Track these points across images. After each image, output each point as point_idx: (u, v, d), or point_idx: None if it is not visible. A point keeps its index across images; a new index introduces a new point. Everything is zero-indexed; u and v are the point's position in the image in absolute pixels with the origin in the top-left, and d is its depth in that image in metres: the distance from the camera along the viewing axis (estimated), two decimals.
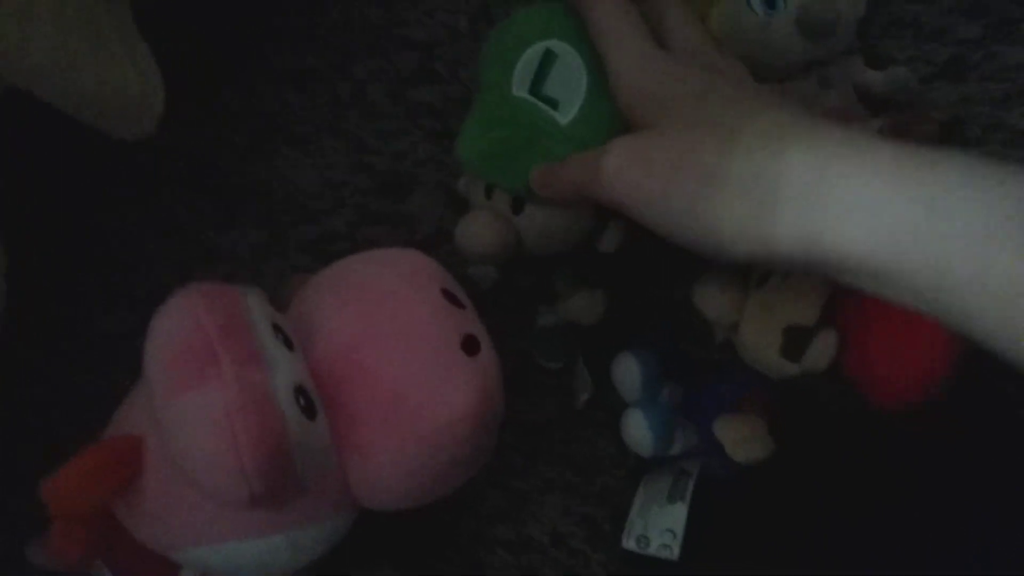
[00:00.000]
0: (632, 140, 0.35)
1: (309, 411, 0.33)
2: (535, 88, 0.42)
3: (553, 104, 0.42)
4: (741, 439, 0.46)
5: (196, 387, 0.30)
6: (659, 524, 0.47)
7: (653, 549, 0.47)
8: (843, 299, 0.43)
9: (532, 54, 0.42)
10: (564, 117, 0.41)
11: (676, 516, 0.46)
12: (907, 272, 0.28)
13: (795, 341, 0.44)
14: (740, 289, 0.47)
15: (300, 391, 0.33)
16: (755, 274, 0.48)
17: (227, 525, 0.34)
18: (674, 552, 0.46)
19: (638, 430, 0.47)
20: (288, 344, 0.34)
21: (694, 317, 0.49)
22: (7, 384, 0.54)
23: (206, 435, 0.30)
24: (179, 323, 0.31)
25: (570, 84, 0.41)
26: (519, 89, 0.42)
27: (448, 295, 0.36)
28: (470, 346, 0.36)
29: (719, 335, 0.49)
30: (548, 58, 0.42)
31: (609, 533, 0.53)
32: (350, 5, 0.60)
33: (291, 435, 0.31)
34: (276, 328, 0.34)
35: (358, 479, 0.35)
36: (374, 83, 0.60)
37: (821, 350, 0.44)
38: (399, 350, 0.34)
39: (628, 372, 0.50)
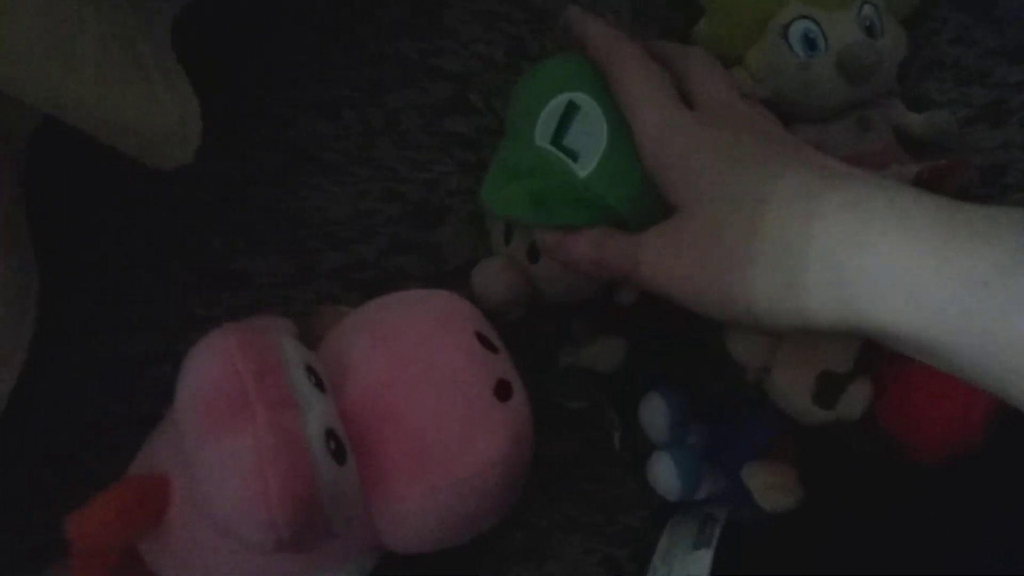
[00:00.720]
0: (664, 229, 0.35)
1: (339, 455, 0.32)
2: (557, 139, 0.43)
3: (573, 156, 0.42)
4: (770, 487, 0.45)
5: (228, 432, 0.30)
6: (683, 570, 0.46)
7: None
8: (880, 347, 0.43)
9: (555, 105, 0.42)
10: (583, 170, 0.42)
11: (701, 564, 0.46)
12: (955, 346, 0.27)
13: (829, 388, 0.44)
14: (772, 333, 0.46)
15: (331, 435, 0.32)
16: None
17: (252, 569, 0.34)
18: None
19: (665, 474, 0.47)
20: (320, 386, 0.33)
21: (725, 356, 0.48)
22: (31, 408, 0.54)
23: (237, 482, 0.29)
24: (213, 365, 0.31)
25: (591, 136, 0.42)
26: (542, 139, 0.43)
27: (482, 339, 0.36)
28: (503, 391, 0.35)
29: (751, 376, 0.49)
30: (570, 110, 0.42)
31: (631, 575, 0.53)
32: (384, 36, 0.60)
33: (322, 481, 0.31)
34: (309, 370, 0.33)
35: (386, 523, 0.34)
36: (407, 112, 0.60)
37: (856, 398, 0.43)
38: (431, 395, 0.34)
39: (655, 413, 0.49)
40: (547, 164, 0.42)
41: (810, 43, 0.48)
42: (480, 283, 0.46)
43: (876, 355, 0.43)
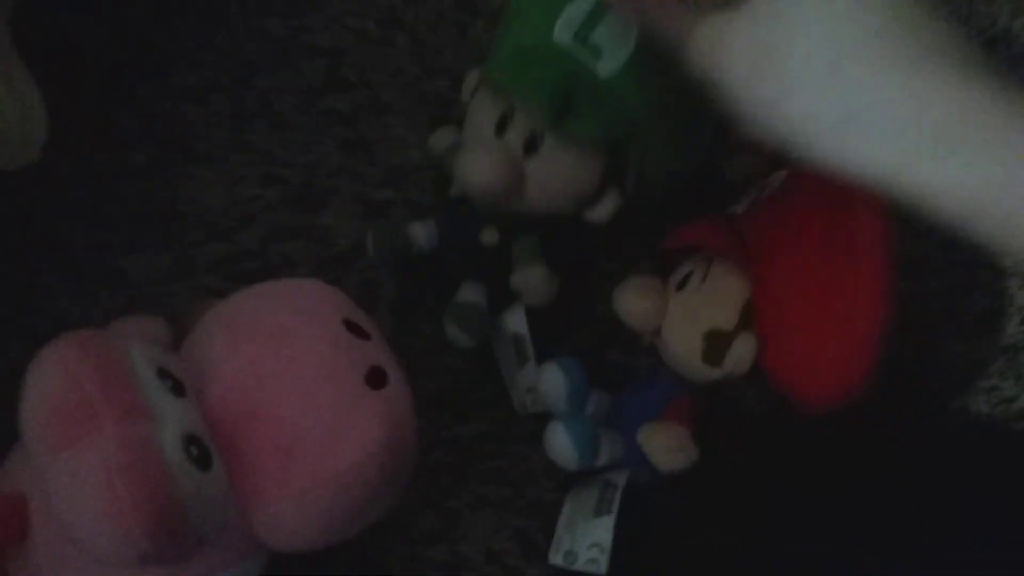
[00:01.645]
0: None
1: (203, 461, 0.31)
2: (580, 34, 0.41)
3: (597, 53, 0.41)
4: (665, 448, 0.45)
5: (75, 445, 0.28)
6: (586, 538, 0.46)
7: (581, 564, 0.46)
8: (762, 303, 0.43)
9: (585, 2, 0.41)
10: (606, 69, 0.41)
11: (603, 530, 0.46)
12: None
13: (715, 346, 0.44)
14: (660, 295, 0.46)
15: (192, 440, 0.31)
16: (675, 278, 0.47)
17: None
18: (602, 566, 0.45)
19: (561, 444, 0.46)
20: (178, 390, 0.32)
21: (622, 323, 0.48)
22: None
23: (87, 496, 0.28)
24: (54, 377, 0.29)
25: (618, 39, 0.40)
26: (562, 33, 0.41)
27: (351, 326, 0.35)
28: (375, 379, 0.34)
29: (645, 340, 0.49)
30: (600, 8, 0.40)
31: (543, 547, 0.52)
32: (250, 15, 0.58)
33: (181, 489, 0.29)
34: (163, 373, 0.32)
35: (262, 526, 0.33)
36: (280, 93, 0.57)
37: (741, 354, 0.44)
38: (297, 390, 0.32)
39: (553, 383, 0.49)
40: (567, 58, 0.41)
41: None
42: (477, 167, 0.43)
43: (758, 311, 0.43)
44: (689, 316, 0.45)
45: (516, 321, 0.50)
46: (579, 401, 0.49)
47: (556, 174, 0.44)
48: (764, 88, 0.31)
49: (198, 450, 0.31)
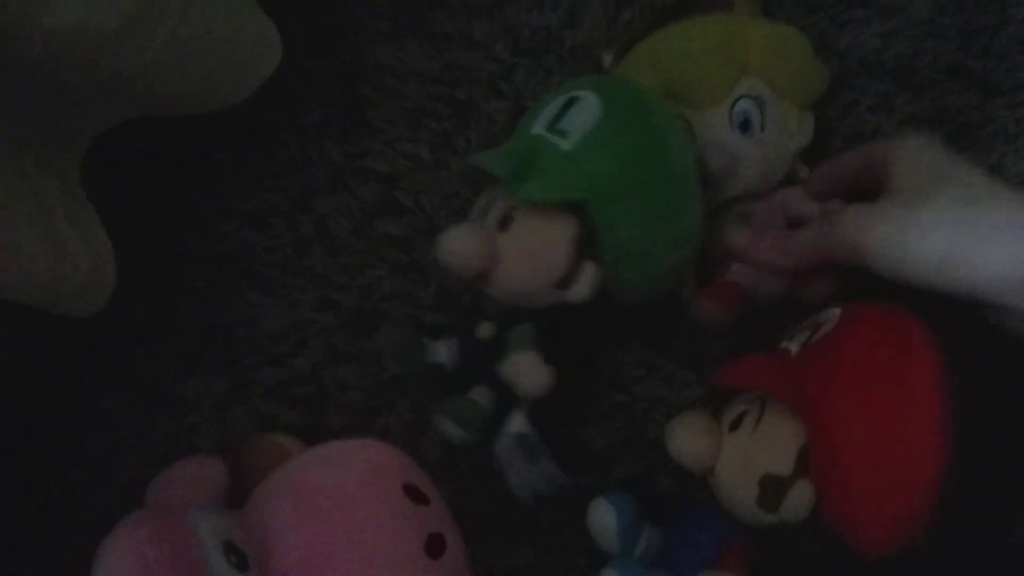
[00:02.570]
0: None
1: None
2: (552, 125, 0.47)
3: (563, 135, 0.46)
4: None
5: None
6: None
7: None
8: (817, 449, 0.42)
9: (559, 101, 0.47)
10: (568, 144, 0.45)
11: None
12: None
13: (771, 491, 0.44)
14: (713, 435, 0.46)
15: None
16: (727, 417, 0.47)
17: None
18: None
19: None
20: (242, 565, 0.32)
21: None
22: None
23: None
24: (126, 563, 0.30)
25: (583, 120, 0.46)
26: (538, 128, 0.47)
27: (410, 491, 0.35)
28: (435, 547, 0.34)
29: (697, 474, 0.48)
30: (570, 102, 0.47)
31: None
32: (308, 141, 0.60)
33: None
34: (228, 547, 0.32)
35: None
36: (337, 217, 0.59)
37: (798, 502, 0.43)
38: (359, 566, 0.33)
39: (605, 520, 0.48)
40: (538, 142, 0.46)
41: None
42: (451, 239, 0.46)
43: (814, 457, 0.42)
44: (743, 459, 0.45)
45: (516, 422, 0.49)
46: (632, 538, 0.48)
47: (527, 245, 0.46)
48: (956, 272, 0.39)
49: None
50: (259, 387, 0.56)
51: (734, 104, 0.50)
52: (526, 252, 0.46)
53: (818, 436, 0.42)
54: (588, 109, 0.46)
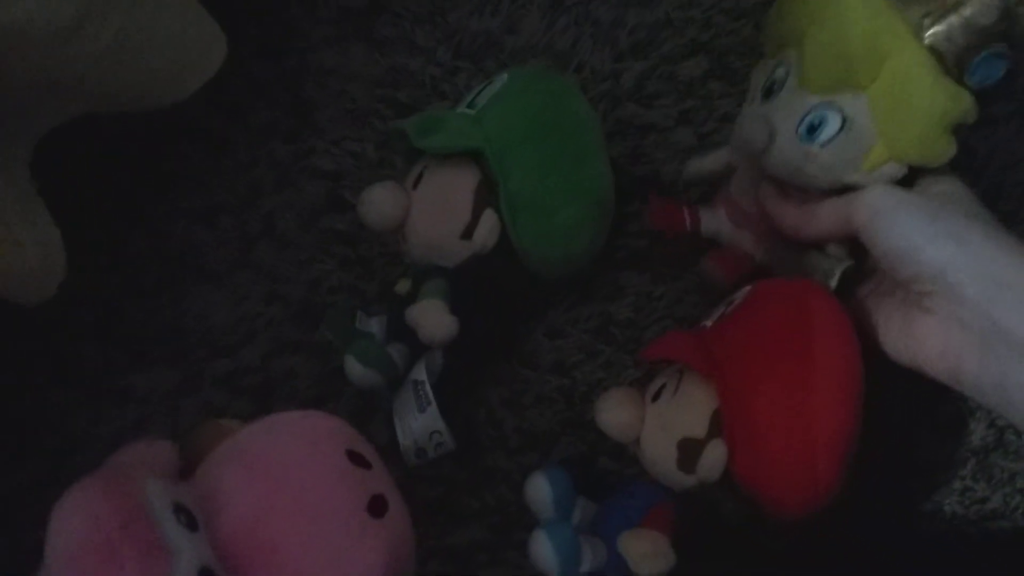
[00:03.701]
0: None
1: None
2: (469, 104, 0.53)
3: (473, 107, 0.52)
4: (643, 555, 0.47)
5: None
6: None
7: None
8: (728, 411, 0.45)
9: (480, 85, 0.54)
10: (473, 111, 0.51)
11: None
12: None
13: (688, 453, 0.46)
14: (638, 406, 0.49)
15: (205, 573, 0.33)
16: (650, 390, 0.50)
17: None
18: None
19: (544, 553, 0.48)
20: (192, 525, 0.34)
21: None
22: None
23: None
24: (76, 520, 0.31)
25: (490, 93, 0.52)
26: (459, 108, 0.53)
27: (354, 456, 0.37)
28: (377, 507, 0.36)
29: (630, 449, 0.51)
30: (488, 84, 0.53)
31: None
32: (255, 141, 0.61)
33: None
34: (178, 508, 0.34)
35: None
36: (284, 214, 0.61)
37: (711, 461, 0.45)
38: (303, 523, 0.34)
39: (540, 492, 0.51)
40: (450, 112, 0.53)
41: (765, 91, 0.49)
42: (366, 195, 0.50)
43: (725, 418, 0.45)
44: (663, 426, 0.47)
45: (416, 371, 0.52)
46: (565, 510, 0.51)
47: (433, 195, 0.50)
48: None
49: None
50: (208, 378, 0.58)
51: (822, 104, 0.46)
52: (432, 202, 0.51)
53: (727, 399, 0.45)
54: (497, 83, 0.52)
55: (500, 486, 0.56)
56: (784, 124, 0.47)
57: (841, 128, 0.46)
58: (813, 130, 0.46)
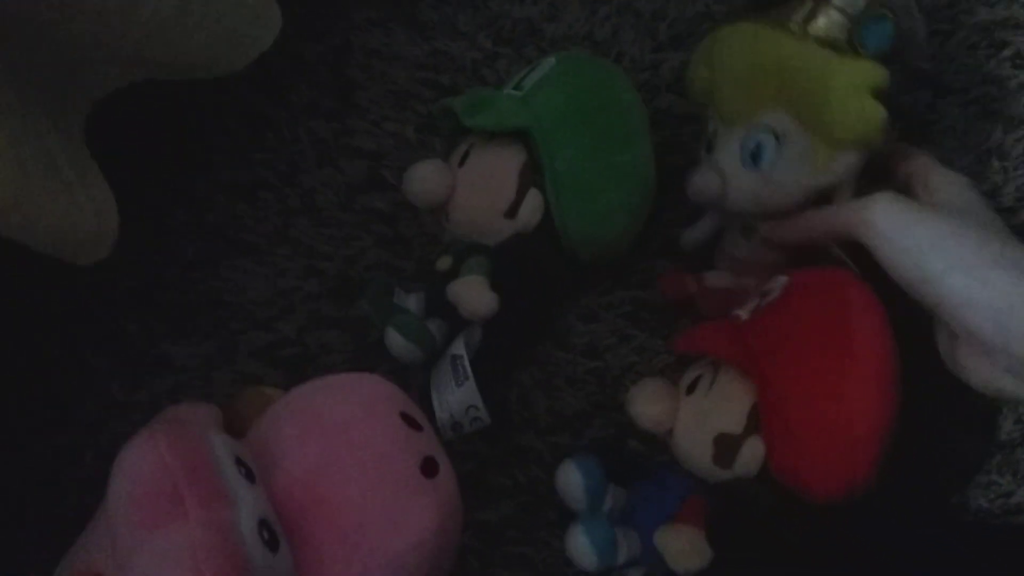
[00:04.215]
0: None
1: (272, 544, 0.33)
2: (515, 85, 0.53)
3: (520, 89, 0.53)
4: (681, 551, 0.47)
5: (162, 529, 0.30)
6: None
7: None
8: (766, 406, 0.45)
9: (526, 68, 0.55)
10: (521, 93, 0.52)
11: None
12: None
13: (725, 449, 0.46)
14: (671, 398, 0.49)
15: (263, 524, 0.33)
16: (684, 382, 0.50)
17: None
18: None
19: (582, 548, 0.49)
20: (250, 477, 0.34)
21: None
22: None
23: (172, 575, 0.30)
24: (143, 464, 0.32)
25: (537, 76, 0.53)
26: (505, 89, 0.54)
27: (407, 418, 0.38)
28: (429, 468, 0.37)
29: (659, 436, 0.51)
30: (536, 66, 0.54)
31: None
32: (297, 119, 0.62)
33: (256, 572, 0.31)
34: (238, 462, 0.34)
35: None
36: (323, 191, 0.61)
37: (749, 457, 0.45)
38: (359, 479, 0.35)
39: (571, 482, 0.51)
40: (498, 93, 0.54)
41: (707, 145, 0.52)
42: (412, 171, 0.51)
43: (764, 414, 0.45)
44: (699, 420, 0.47)
45: (455, 345, 0.52)
46: (597, 498, 0.51)
47: (478, 173, 0.51)
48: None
49: (268, 534, 0.33)
50: (245, 350, 0.58)
51: (750, 131, 0.48)
52: (478, 180, 0.52)
53: (766, 394, 0.45)
54: (545, 67, 0.53)
55: (531, 465, 0.56)
56: (729, 163, 0.50)
57: (778, 143, 0.48)
58: (756, 157, 0.48)
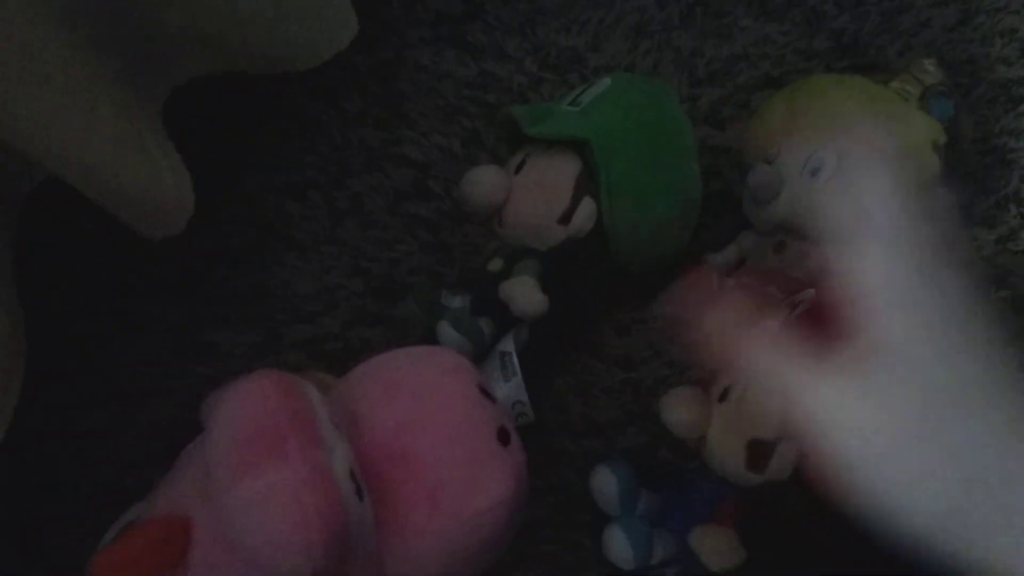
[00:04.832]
0: None
1: (360, 493, 0.34)
2: (571, 102, 0.56)
3: (577, 105, 0.55)
4: (716, 551, 0.49)
5: (265, 468, 0.31)
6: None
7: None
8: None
9: (581, 87, 0.57)
10: (578, 108, 0.55)
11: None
12: None
13: (758, 454, 0.47)
14: (703, 405, 0.50)
15: (352, 475, 0.34)
16: (716, 390, 0.52)
17: None
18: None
19: (619, 547, 0.50)
20: (340, 431, 0.36)
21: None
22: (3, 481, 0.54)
23: (276, 512, 0.31)
24: (248, 407, 0.33)
25: (594, 94, 0.55)
26: (562, 103, 0.57)
27: (482, 390, 0.39)
28: (503, 437, 0.38)
29: (690, 444, 0.53)
30: (592, 85, 0.56)
31: None
32: (348, 126, 0.65)
33: (349, 514, 0.33)
34: (331, 415, 0.36)
35: (398, 559, 0.36)
36: (371, 195, 0.63)
37: (782, 462, 0.47)
38: (443, 438, 0.36)
39: (606, 485, 0.52)
40: (556, 107, 0.56)
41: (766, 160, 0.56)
42: (470, 175, 0.53)
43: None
44: (732, 427, 0.49)
45: (504, 343, 0.54)
46: (630, 501, 0.53)
47: (535, 180, 0.54)
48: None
49: (356, 483, 0.34)
50: (288, 341, 0.60)
51: (817, 149, 0.53)
52: (534, 186, 0.54)
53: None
54: (601, 86, 0.56)
55: (565, 468, 0.58)
56: (789, 172, 0.55)
57: (839, 164, 0.52)
58: (816, 171, 0.53)
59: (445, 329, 0.52)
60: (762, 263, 0.58)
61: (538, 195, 0.54)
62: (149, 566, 0.34)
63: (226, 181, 0.63)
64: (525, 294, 0.52)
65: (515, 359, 0.52)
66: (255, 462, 0.32)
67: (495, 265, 0.55)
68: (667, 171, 0.54)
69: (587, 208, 0.53)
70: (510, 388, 0.52)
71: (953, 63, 0.65)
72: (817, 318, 0.50)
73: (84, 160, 0.40)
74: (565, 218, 0.53)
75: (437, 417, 0.37)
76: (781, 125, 0.57)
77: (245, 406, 0.33)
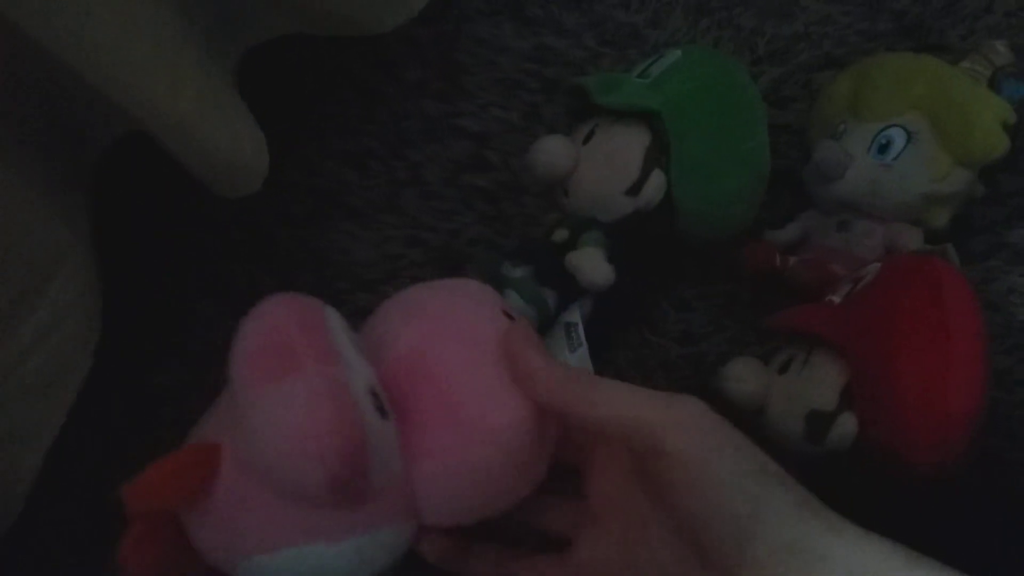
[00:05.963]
0: None
1: (381, 411, 0.34)
2: (640, 73, 0.55)
3: (647, 77, 0.55)
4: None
5: (278, 379, 0.31)
6: None
7: None
8: (861, 385, 0.47)
9: (649, 59, 0.57)
10: (649, 80, 0.54)
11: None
12: None
13: (817, 426, 0.48)
14: (764, 377, 0.50)
15: (373, 392, 0.34)
16: (775, 362, 0.52)
17: (297, 528, 0.33)
18: None
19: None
20: (360, 351, 0.35)
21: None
22: (65, 439, 0.54)
23: (289, 421, 0.30)
24: (262, 323, 0.32)
25: (664, 65, 0.55)
26: (631, 74, 0.56)
27: (507, 315, 0.39)
28: None
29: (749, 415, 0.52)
30: (662, 57, 0.56)
31: None
32: (408, 95, 0.65)
33: (367, 428, 0.32)
34: (351, 338, 0.35)
35: (425, 482, 0.35)
36: (430, 166, 0.63)
37: (842, 433, 0.47)
38: (464, 356, 0.35)
39: None
40: (626, 78, 0.56)
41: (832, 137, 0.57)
42: (540, 143, 0.53)
43: (857, 391, 0.47)
44: (792, 398, 0.49)
45: (569, 313, 0.54)
46: None
47: (603, 150, 0.53)
48: None
49: (378, 401, 0.34)
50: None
51: (887, 127, 0.55)
52: (602, 158, 0.53)
53: (861, 373, 0.46)
54: (671, 58, 0.56)
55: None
56: (856, 149, 0.55)
57: (908, 141, 0.54)
58: (884, 148, 0.55)
59: (512, 297, 0.52)
60: (825, 241, 0.58)
61: (606, 166, 0.54)
62: (180, 486, 0.33)
63: (285, 148, 0.62)
64: (593, 265, 0.52)
65: (581, 329, 0.52)
66: (266, 376, 0.31)
67: (560, 236, 0.55)
68: (738, 143, 0.54)
69: (657, 180, 0.53)
70: (575, 358, 0.52)
71: (1016, 47, 0.65)
72: (883, 288, 0.50)
73: (172, 114, 0.40)
74: (633, 190, 0.53)
75: (458, 336, 0.36)
76: (848, 103, 0.57)
77: (258, 324, 0.33)
